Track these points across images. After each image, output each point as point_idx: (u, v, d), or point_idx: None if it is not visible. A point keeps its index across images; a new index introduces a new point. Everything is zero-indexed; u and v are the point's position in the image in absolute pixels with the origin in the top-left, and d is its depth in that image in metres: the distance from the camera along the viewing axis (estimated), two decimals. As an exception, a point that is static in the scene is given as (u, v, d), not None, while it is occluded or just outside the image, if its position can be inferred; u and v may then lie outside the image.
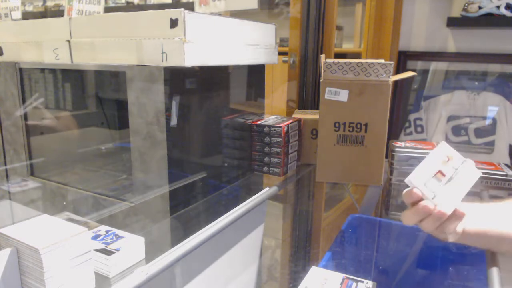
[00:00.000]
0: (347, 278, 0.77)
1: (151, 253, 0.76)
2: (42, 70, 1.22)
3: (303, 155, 1.16)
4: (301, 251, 1.55)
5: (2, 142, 1.29)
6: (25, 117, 1.24)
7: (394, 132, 1.62)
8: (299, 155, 1.15)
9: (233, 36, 0.93)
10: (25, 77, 1.22)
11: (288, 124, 1.06)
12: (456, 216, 0.66)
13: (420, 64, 1.61)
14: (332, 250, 0.99)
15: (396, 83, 1.03)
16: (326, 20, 1.53)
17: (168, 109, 0.87)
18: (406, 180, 0.66)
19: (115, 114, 1.15)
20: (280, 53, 1.16)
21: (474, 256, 0.89)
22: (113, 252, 0.70)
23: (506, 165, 1.06)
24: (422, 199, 0.66)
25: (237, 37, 0.95)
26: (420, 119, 1.60)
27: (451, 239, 0.69)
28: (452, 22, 1.46)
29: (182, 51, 0.77)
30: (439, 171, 0.67)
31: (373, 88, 0.94)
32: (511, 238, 0.71)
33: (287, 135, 1.05)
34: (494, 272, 0.75)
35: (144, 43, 0.82)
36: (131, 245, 0.74)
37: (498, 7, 1.35)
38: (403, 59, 1.60)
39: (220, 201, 1.06)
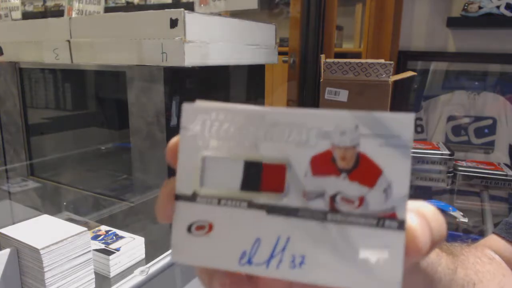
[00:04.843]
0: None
1: (151, 253, 0.76)
2: (42, 70, 1.22)
3: (303, 155, 1.16)
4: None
5: (2, 142, 1.29)
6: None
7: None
8: (299, 155, 1.15)
9: (233, 36, 0.93)
10: (25, 77, 1.22)
11: (288, 124, 1.06)
12: None
13: (420, 64, 1.61)
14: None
15: (396, 83, 1.03)
16: (326, 20, 1.53)
17: (168, 109, 0.87)
18: None
19: (115, 114, 1.15)
20: (280, 53, 1.16)
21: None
22: (113, 252, 0.70)
23: (506, 165, 1.06)
24: None
25: (237, 37, 0.95)
26: (420, 119, 1.60)
27: None
28: (452, 22, 1.46)
29: (182, 51, 0.77)
30: None
31: (373, 88, 0.94)
32: None
33: (287, 135, 1.05)
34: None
35: (144, 43, 0.82)
36: (131, 245, 0.74)
37: (498, 7, 1.35)
38: (403, 59, 1.60)
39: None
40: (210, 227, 0.20)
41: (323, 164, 0.19)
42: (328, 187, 0.19)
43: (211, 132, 0.20)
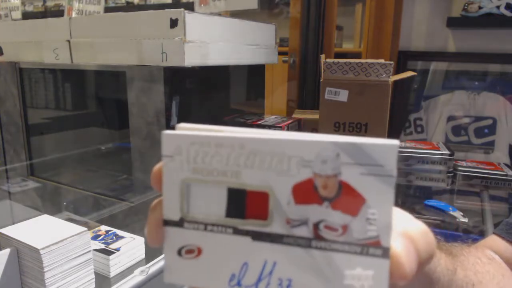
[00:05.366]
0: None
1: (151, 253, 0.76)
2: (42, 70, 1.22)
3: (303, 155, 1.16)
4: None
5: (2, 142, 1.29)
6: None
7: (394, 132, 1.62)
8: (299, 155, 1.15)
9: (233, 36, 0.93)
10: (25, 77, 1.22)
11: (288, 124, 1.06)
12: None
13: (420, 64, 1.61)
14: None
15: (396, 83, 1.03)
16: (326, 20, 1.53)
17: (168, 109, 0.87)
18: None
19: (115, 114, 1.15)
20: (280, 53, 1.16)
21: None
22: (113, 252, 0.70)
23: (506, 165, 1.06)
24: None
25: (237, 37, 0.95)
26: (420, 119, 1.60)
27: None
28: (452, 22, 1.45)
29: (182, 51, 0.77)
30: None
31: (373, 88, 0.94)
32: None
33: (287, 135, 1.05)
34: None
35: (144, 43, 0.82)
36: (131, 245, 0.74)
37: (498, 7, 1.35)
38: (403, 59, 1.60)
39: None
40: (199, 251, 0.20)
41: (305, 192, 0.19)
42: (311, 215, 0.19)
43: (193, 160, 0.20)
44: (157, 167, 0.21)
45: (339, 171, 0.18)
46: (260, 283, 0.19)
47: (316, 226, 0.19)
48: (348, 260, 0.18)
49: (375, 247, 0.18)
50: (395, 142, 0.18)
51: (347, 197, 0.18)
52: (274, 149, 0.19)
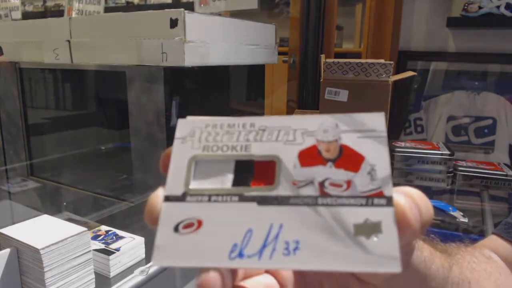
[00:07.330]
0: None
1: (151, 253, 0.76)
2: (42, 70, 1.22)
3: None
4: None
5: (2, 142, 1.29)
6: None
7: (394, 132, 1.62)
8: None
9: (233, 36, 0.93)
10: (25, 77, 1.22)
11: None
12: None
13: (420, 64, 1.61)
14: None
15: (396, 83, 1.03)
16: (326, 20, 1.53)
17: (168, 109, 0.87)
18: None
19: (115, 114, 1.15)
20: (280, 53, 1.16)
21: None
22: (113, 252, 0.70)
23: (506, 165, 1.06)
24: None
25: (237, 37, 0.95)
26: (420, 119, 1.60)
27: None
28: (452, 22, 1.45)
29: (182, 51, 0.77)
30: None
31: (373, 88, 0.94)
32: None
33: (287, 135, 1.05)
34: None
35: (144, 43, 0.82)
36: (131, 245, 0.74)
37: (498, 7, 1.35)
38: (403, 59, 1.60)
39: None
40: (199, 224, 0.19)
41: (310, 156, 0.20)
42: (317, 175, 0.20)
43: (204, 139, 0.21)
44: (167, 150, 0.21)
45: (339, 136, 0.21)
46: (265, 250, 0.18)
47: (321, 184, 0.20)
48: (355, 212, 0.19)
49: (379, 197, 0.19)
50: (382, 113, 0.21)
51: (348, 157, 0.20)
52: (281, 124, 0.21)
